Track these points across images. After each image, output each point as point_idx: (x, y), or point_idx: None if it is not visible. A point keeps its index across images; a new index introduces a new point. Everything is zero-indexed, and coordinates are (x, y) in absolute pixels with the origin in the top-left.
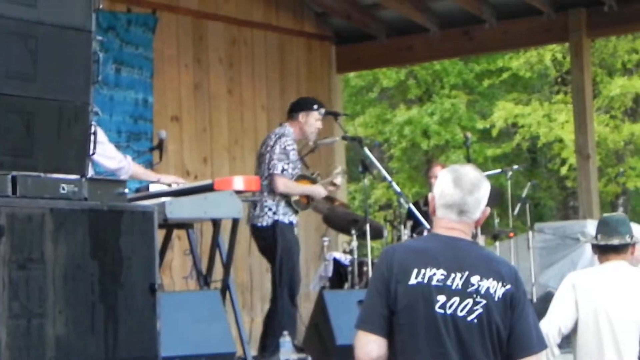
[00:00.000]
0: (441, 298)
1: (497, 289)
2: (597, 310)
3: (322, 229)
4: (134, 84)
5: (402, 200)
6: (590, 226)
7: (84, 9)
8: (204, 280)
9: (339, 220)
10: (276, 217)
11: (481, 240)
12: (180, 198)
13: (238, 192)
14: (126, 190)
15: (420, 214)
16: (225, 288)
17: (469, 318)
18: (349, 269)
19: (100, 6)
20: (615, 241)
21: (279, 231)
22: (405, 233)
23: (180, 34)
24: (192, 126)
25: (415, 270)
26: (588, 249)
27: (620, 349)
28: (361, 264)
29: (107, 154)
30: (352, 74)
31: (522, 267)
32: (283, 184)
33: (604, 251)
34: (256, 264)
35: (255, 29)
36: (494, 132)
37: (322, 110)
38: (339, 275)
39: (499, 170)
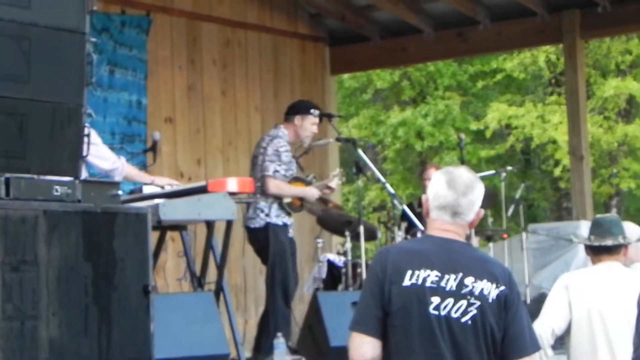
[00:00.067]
0: (435, 299)
1: (491, 290)
2: (590, 311)
3: (316, 230)
4: (127, 85)
5: (396, 201)
6: (584, 227)
7: (78, 11)
8: (198, 282)
9: (332, 221)
10: (268, 219)
11: (475, 241)
12: (173, 200)
13: (232, 194)
14: (119, 192)
15: (414, 215)
16: (219, 290)
17: (463, 319)
18: (343, 270)
19: (94, 8)
20: (609, 242)
21: (272, 233)
22: (399, 234)
23: (174, 36)
24: (186, 128)
25: (410, 272)
26: (581, 250)
27: (614, 349)
28: (355, 266)
29: (100, 155)
30: (346, 76)
31: (516, 268)
32: (275, 186)
33: (597, 252)
34: (250, 265)
35: (249, 31)
36: (488, 134)
37: (317, 112)
38: (333, 277)
39: (492, 172)
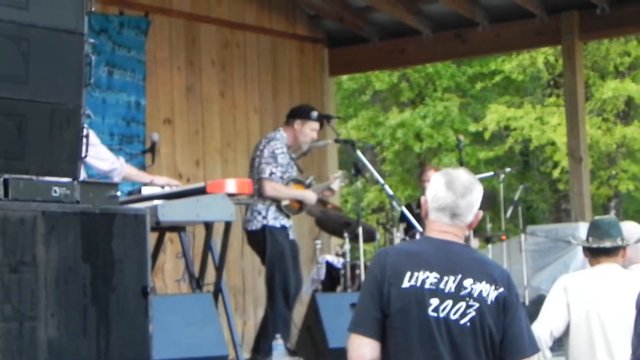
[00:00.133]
0: (434, 301)
1: (490, 292)
2: (588, 313)
3: (315, 232)
4: (126, 86)
5: (394, 203)
6: (583, 229)
7: (76, 12)
8: (197, 283)
9: (331, 223)
10: (265, 222)
11: (474, 243)
12: (172, 201)
13: (230, 195)
14: (118, 193)
15: (413, 216)
16: (217, 291)
17: (462, 321)
18: (342, 272)
19: (93, 9)
20: (607, 244)
21: (269, 235)
22: (398, 236)
23: (173, 37)
24: (185, 129)
25: (409, 274)
26: (580, 251)
27: (612, 351)
28: (354, 267)
29: (99, 156)
30: (344, 77)
31: (515, 270)
32: (271, 188)
33: (595, 254)
34: (249, 266)
35: (248, 32)
36: (487, 135)
37: (316, 116)
38: (332, 278)
39: (491, 173)
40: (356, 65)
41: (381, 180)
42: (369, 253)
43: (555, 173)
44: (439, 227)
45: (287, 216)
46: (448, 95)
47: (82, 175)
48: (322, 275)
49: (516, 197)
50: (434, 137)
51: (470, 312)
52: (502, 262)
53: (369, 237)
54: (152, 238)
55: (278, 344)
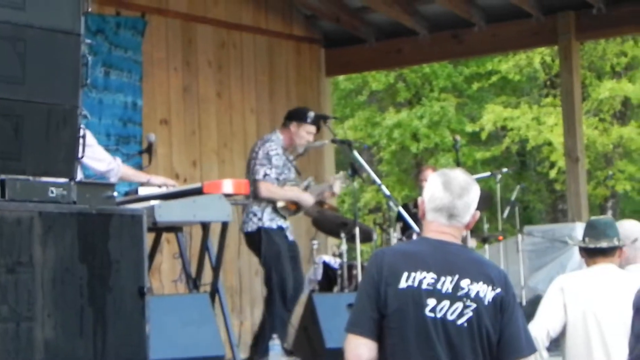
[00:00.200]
0: (431, 302)
1: (487, 292)
2: (585, 313)
3: (312, 232)
4: (123, 87)
5: (391, 203)
6: (579, 229)
7: (73, 12)
8: (193, 283)
9: (328, 223)
10: (260, 224)
11: (471, 243)
12: (169, 201)
13: (227, 196)
14: (115, 194)
15: (410, 216)
16: (214, 291)
17: (459, 322)
18: (339, 272)
19: (89, 9)
20: (604, 244)
21: (264, 237)
22: (395, 236)
23: (170, 37)
24: (181, 129)
25: (406, 274)
26: (577, 252)
27: (609, 351)
28: (350, 267)
29: (96, 157)
30: (341, 77)
31: (512, 270)
32: (265, 189)
33: (592, 254)
34: (245, 267)
35: (244, 32)
36: (483, 135)
37: (311, 117)
38: (329, 279)
39: (488, 174)
40: (353, 66)
41: (378, 181)
42: (365, 253)
43: (552, 173)
44: (436, 228)
45: (284, 218)
46: (445, 95)
47: (79, 175)
48: (319, 275)
49: (513, 197)
50: (431, 138)
51: (467, 313)
52: (499, 262)
53: (366, 237)
54: (149, 238)
55: (275, 344)
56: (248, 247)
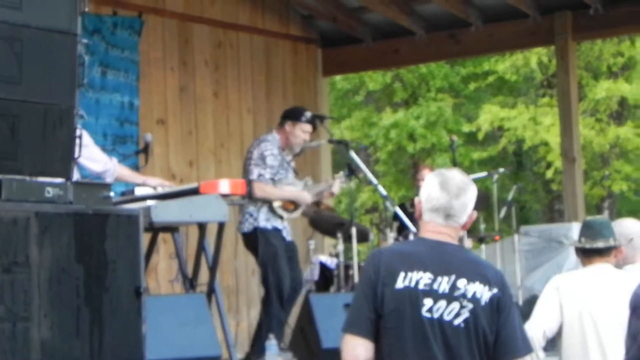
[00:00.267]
0: (428, 302)
1: (484, 293)
2: (581, 313)
3: (308, 232)
4: (119, 87)
5: (388, 203)
6: (576, 229)
7: (69, 12)
8: (190, 283)
9: (325, 223)
10: (256, 224)
11: (467, 243)
12: (166, 201)
13: (224, 196)
14: (111, 194)
15: (407, 215)
16: (211, 291)
17: (456, 322)
18: (335, 272)
19: (86, 9)
20: (600, 244)
21: (261, 237)
22: (391, 236)
23: (166, 37)
24: (178, 129)
25: (402, 274)
26: (573, 252)
27: (605, 351)
28: (347, 268)
29: (92, 157)
30: (338, 77)
31: (508, 270)
32: (259, 189)
33: (588, 254)
34: (242, 267)
35: (241, 32)
36: (480, 136)
37: (307, 116)
38: (325, 279)
39: (485, 174)
40: (349, 66)
41: (374, 181)
42: (362, 253)
43: (549, 173)
44: (433, 228)
45: (281, 217)
46: (441, 95)
47: (75, 175)
48: (316, 275)
49: (509, 197)
50: (428, 138)
51: (464, 313)
52: (495, 262)
53: (363, 237)
54: (145, 238)
55: (271, 344)
56: (245, 247)
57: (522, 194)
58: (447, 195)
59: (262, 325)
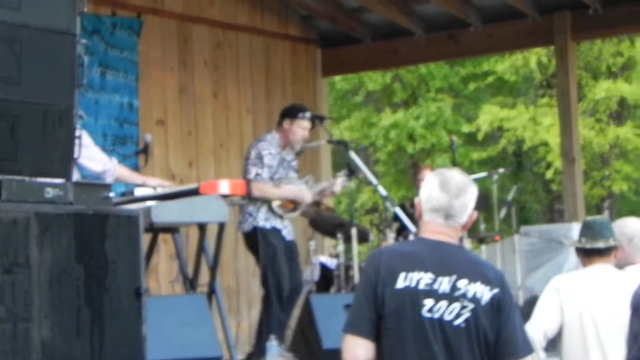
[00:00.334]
0: (428, 302)
1: (484, 293)
2: (582, 314)
3: (308, 232)
4: (119, 87)
5: (388, 203)
6: (576, 229)
7: (69, 13)
8: (190, 284)
9: (325, 224)
10: (255, 223)
11: (467, 243)
12: (166, 202)
13: (224, 196)
14: (111, 194)
15: (407, 215)
16: (211, 292)
17: (457, 322)
18: (335, 273)
19: (85, 9)
20: (601, 244)
21: (260, 237)
22: (391, 236)
23: (165, 37)
24: (178, 130)
25: (403, 274)
26: (573, 252)
27: (606, 352)
28: (347, 268)
29: (92, 157)
30: (337, 77)
31: (508, 271)
32: (257, 189)
33: (588, 254)
34: (242, 267)
35: (240, 32)
36: (480, 136)
37: (307, 115)
38: (325, 279)
39: (484, 174)
40: (349, 66)
41: (374, 181)
42: (362, 254)
43: (549, 174)
44: (433, 228)
45: (280, 217)
46: (441, 95)
47: (75, 176)
48: (316, 276)
49: (509, 197)
50: (427, 138)
51: (464, 313)
52: (495, 262)
53: (363, 237)
54: (145, 239)
55: (272, 344)
56: (246, 247)
57: (522, 194)
58: (447, 196)
59: (263, 326)
